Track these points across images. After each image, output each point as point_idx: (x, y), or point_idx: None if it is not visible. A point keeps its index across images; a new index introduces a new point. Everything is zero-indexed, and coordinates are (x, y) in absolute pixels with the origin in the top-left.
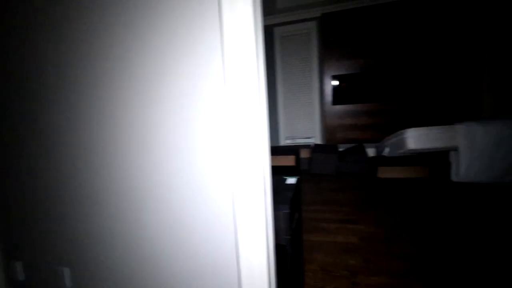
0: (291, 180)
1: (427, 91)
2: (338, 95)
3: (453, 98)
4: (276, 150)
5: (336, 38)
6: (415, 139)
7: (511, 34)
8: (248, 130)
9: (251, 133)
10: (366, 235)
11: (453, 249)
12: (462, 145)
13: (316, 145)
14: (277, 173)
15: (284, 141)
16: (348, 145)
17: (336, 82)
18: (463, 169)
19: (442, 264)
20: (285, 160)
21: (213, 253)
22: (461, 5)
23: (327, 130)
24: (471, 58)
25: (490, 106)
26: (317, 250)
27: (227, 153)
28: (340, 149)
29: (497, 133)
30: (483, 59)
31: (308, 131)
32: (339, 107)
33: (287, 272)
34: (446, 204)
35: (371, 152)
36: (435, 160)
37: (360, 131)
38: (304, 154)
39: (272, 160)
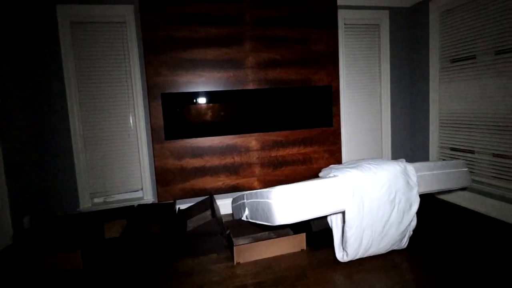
0: None
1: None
2: (174, 125)
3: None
4: (55, 231)
5: (168, 34)
6: (283, 208)
7: None
8: None
9: None
10: None
11: None
12: (349, 208)
13: (139, 207)
14: None
15: (90, 202)
16: (196, 200)
17: (170, 104)
18: (353, 243)
19: None
20: (60, 262)
21: None
22: None
23: (160, 179)
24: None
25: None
26: None
27: None
28: (182, 207)
29: (390, 183)
30: None
31: (133, 181)
32: (177, 143)
33: None
34: None
35: (226, 208)
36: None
37: (211, 177)
38: (112, 231)
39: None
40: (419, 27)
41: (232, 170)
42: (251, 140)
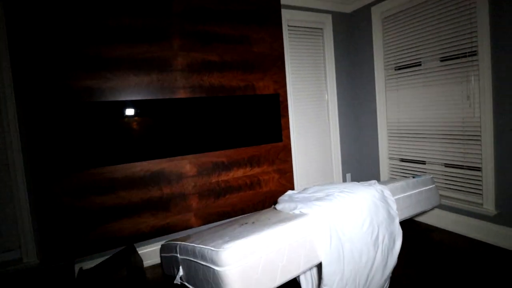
0: None
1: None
2: (69, 149)
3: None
4: None
5: (54, 18)
6: (239, 279)
7: None
8: None
9: None
10: None
11: None
12: (327, 260)
13: (11, 277)
14: None
15: None
16: (110, 253)
17: (60, 120)
18: None
19: None
20: None
21: None
22: None
23: (48, 231)
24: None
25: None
26: None
27: None
28: (87, 266)
29: (371, 217)
30: None
31: (5, 237)
32: (76, 175)
33: None
34: None
35: (155, 255)
36: None
37: (129, 218)
38: None
39: None
40: (362, 33)
41: (160, 206)
42: (185, 164)
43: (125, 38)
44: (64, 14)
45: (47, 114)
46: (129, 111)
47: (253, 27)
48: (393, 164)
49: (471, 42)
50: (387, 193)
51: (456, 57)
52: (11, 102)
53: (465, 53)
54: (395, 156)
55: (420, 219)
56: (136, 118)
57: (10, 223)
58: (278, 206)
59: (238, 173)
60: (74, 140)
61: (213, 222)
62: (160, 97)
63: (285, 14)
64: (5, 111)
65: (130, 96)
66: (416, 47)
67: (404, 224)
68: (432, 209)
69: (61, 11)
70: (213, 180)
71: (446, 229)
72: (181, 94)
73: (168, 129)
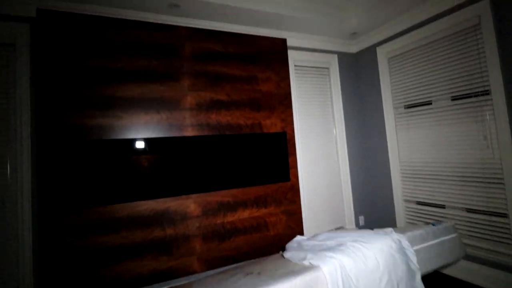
0: None
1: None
2: (76, 187)
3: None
4: None
5: (75, 62)
6: None
7: None
8: None
9: None
10: None
11: None
12: None
13: None
14: None
15: None
16: None
17: (70, 158)
18: None
19: None
20: None
21: None
22: None
23: (48, 272)
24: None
25: None
26: None
27: None
28: None
29: (390, 272)
30: None
31: (5, 275)
32: (81, 214)
33: None
34: None
35: None
36: None
37: (131, 261)
38: None
39: None
40: (369, 72)
41: (163, 247)
42: (190, 204)
43: (138, 78)
44: (81, 56)
45: (59, 152)
46: (137, 149)
47: (260, 67)
48: (409, 207)
49: (483, 81)
50: (405, 243)
51: (468, 96)
52: (27, 141)
53: (477, 92)
54: (411, 199)
55: (445, 271)
56: (143, 156)
57: (12, 261)
58: (286, 254)
59: (244, 214)
60: (82, 178)
61: (217, 267)
62: (168, 135)
63: (292, 55)
64: (20, 150)
65: (139, 134)
66: (425, 86)
67: (426, 278)
68: (456, 261)
69: (79, 53)
70: (218, 221)
71: (476, 283)
72: (188, 132)
73: (174, 167)
